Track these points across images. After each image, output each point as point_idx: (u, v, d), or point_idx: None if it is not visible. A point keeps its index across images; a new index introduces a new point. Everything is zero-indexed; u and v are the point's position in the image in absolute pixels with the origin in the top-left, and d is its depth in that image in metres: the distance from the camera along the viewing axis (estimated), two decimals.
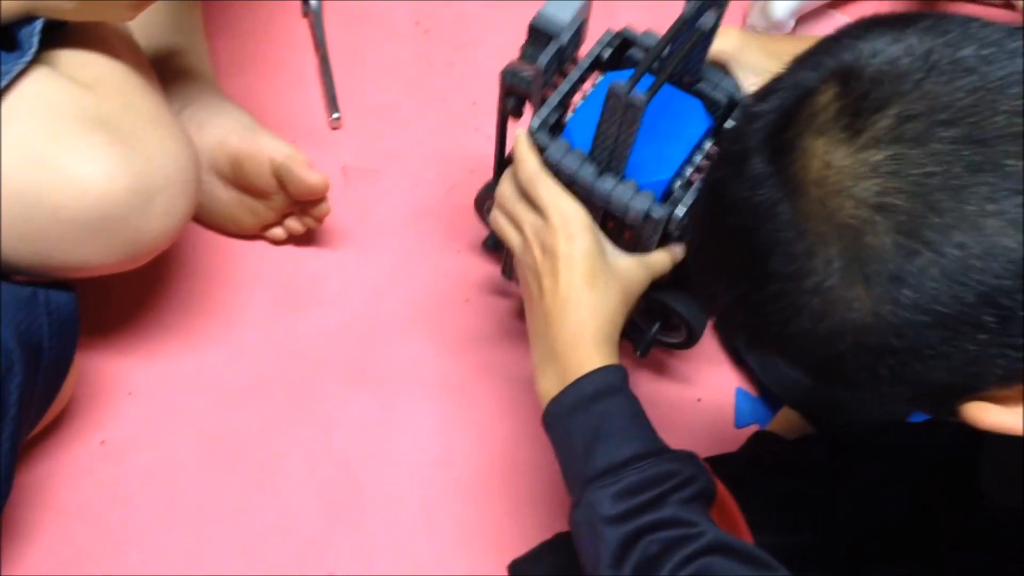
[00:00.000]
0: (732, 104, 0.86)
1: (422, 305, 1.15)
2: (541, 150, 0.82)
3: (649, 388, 1.13)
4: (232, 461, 1.06)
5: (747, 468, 1.04)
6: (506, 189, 0.84)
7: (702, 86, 0.86)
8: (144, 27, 1.01)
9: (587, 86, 0.88)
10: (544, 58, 0.84)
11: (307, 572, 1.02)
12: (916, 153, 0.49)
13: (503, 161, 0.99)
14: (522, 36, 0.87)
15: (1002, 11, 1.34)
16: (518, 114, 0.90)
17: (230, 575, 1.01)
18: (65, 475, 1.03)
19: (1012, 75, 0.50)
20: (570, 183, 0.81)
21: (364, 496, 1.06)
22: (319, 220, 1.12)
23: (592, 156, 0.80)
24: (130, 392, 1.08)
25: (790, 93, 0.55)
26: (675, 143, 0.83)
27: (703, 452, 1.07)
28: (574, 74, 0.86)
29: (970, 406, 0.54)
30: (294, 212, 1.12)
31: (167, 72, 1.07)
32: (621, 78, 0.85)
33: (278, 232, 1.14)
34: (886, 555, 0.94)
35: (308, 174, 1.04)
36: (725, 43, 0.90)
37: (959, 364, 0.51)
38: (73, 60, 0.88)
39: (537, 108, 0.87)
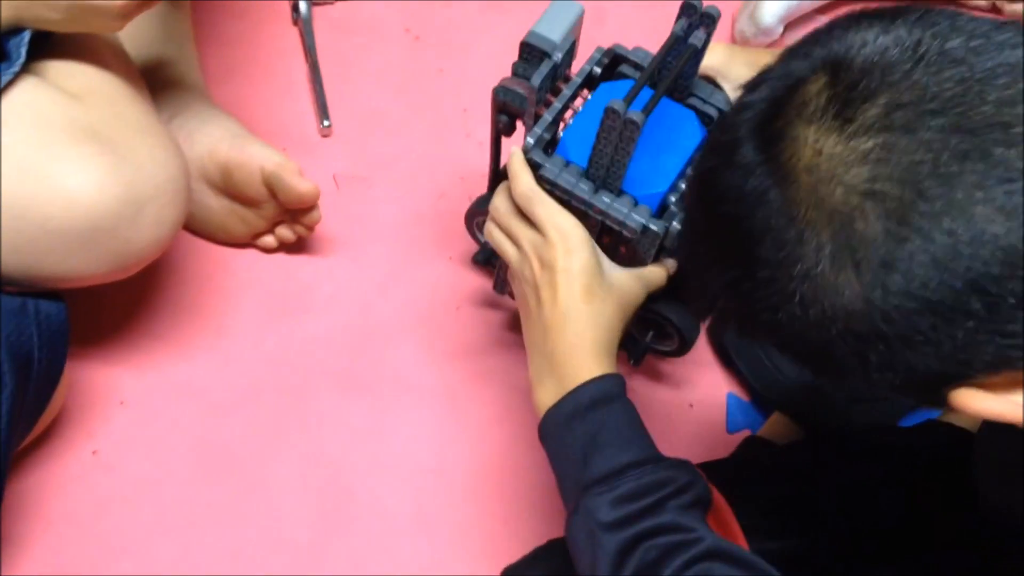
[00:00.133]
0: None
1: (413, 312, 1.15)
2: (537, 167, 0.82)
3: (642, 394, 1.13)
4: (224, 469, 1.06)
5: (739, 473, 1.04)
6: (501, 204, 0.85)
7: (693, 100, 0.87)
8: (133, 37, 1.01)
9: (578, 102, 0.88)
10: (538, 78, 0.84)
11: None
12: (905, 141, 0.50)
13: (498, 176, 0.99)
14: (512, 42, 0.87)
15: (989, 16, 1.34)
16: (510, 131, 0.91)
17: None
18: (57, 485, 1.03)
19: (1000, 66, 0.50)
20: (566, 199, 0.81)
21: (356, 503, 1.06)
22: (310, 228, 1.12)
23: (588, 172, 0.80)
24: (121, 401, 1.08)
25: (780, 83, 0.55)
26: (670, 155, 0.83)
27: (695, 457, 1.07)
28: (566, 92, 0.86)
29: (958, 393, 0.55)
30: (285, 220, 1.12)
31: (157, 81, 1.07)
32: (615, 88, 0.86)
33: (269, 240, 1.14)
34: (879, 557, 0.94)
35: (299, 182, 1.04)
36: (712, 58, 0.90)
37: (948, 351, 0.52)
38: (62, 70, 0.87)
39: (530, 126, 0.87)
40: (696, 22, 0.81)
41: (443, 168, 1.23)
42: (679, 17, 0.81)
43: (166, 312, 1.12)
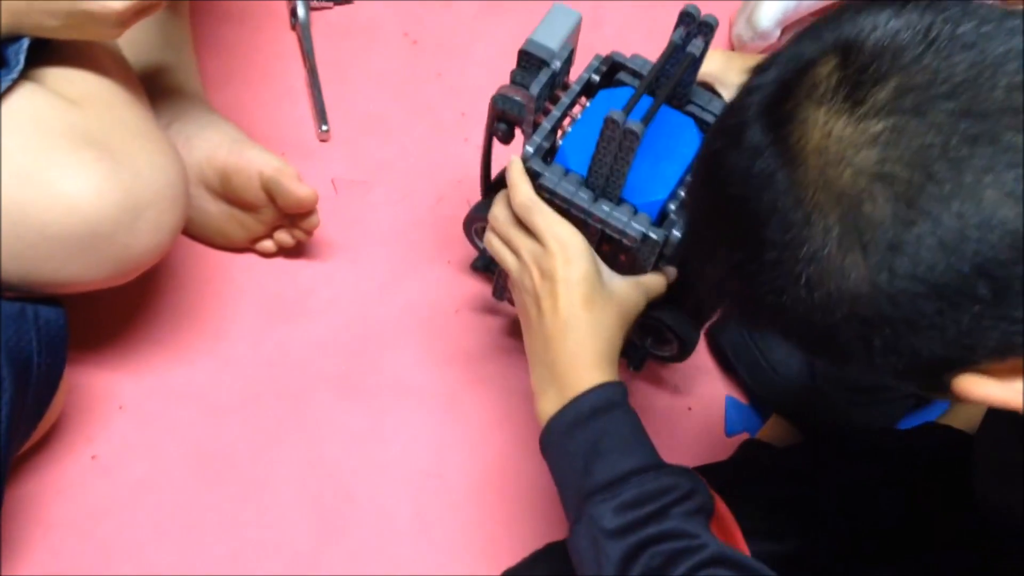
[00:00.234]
0: None
1: (412, 316, 1.15)
2: (536, 176, 0.82)
3: (640, 397, 1.13)
4: (223, 473, 1.06)
5: (737, 476, 1.04)
6: (500, 214, 0.85)
7: (691, 108, 0.87)
8: (132, 43, 1.01)
9: (576, 109, 0.88)
10: (536, 87, 0.84)
11: None
12: (916, 124, 0.50)
13: (489, 182, 0.99)
14: (510, 46, 0.87)
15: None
16: (509, 139, 0.91)
17: None
18: (56, 490, 1.03)
19: (1011, 51, 0.50)
20: (566, 208, 0.81)
21: (356, 507, 1.06)
22: (309, 232, 1.12)
23: (588, 181, 0.80)
24: (120, 406, 1.08)
25: (790, 65, 0.55)
26: (670, 163, 0.83)
27: (694, 460, 1.07)
28: (565, 100, 0.86)
29: (962, 379, 0.54)
30: (284, 225, 1.12)
31: (155, 87, 1.07)
32: (614, 95, 0.86)
33: (268, 245, 1.14)
34: (879, 558, 0.94)
35: (297, 187, 1.04)
36: (710, 64, 0.90)
37: (953, 335, 0.52)
38: (61, 76, 0.87)
39: (529, 134, 0.87)
40: (694, 30, 0.81)
41: (441, 172, 1.23)
42: (677, 25, 0.81)
43: (165, 317, 1.12)
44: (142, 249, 0.87)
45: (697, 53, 0.81)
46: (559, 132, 0.88)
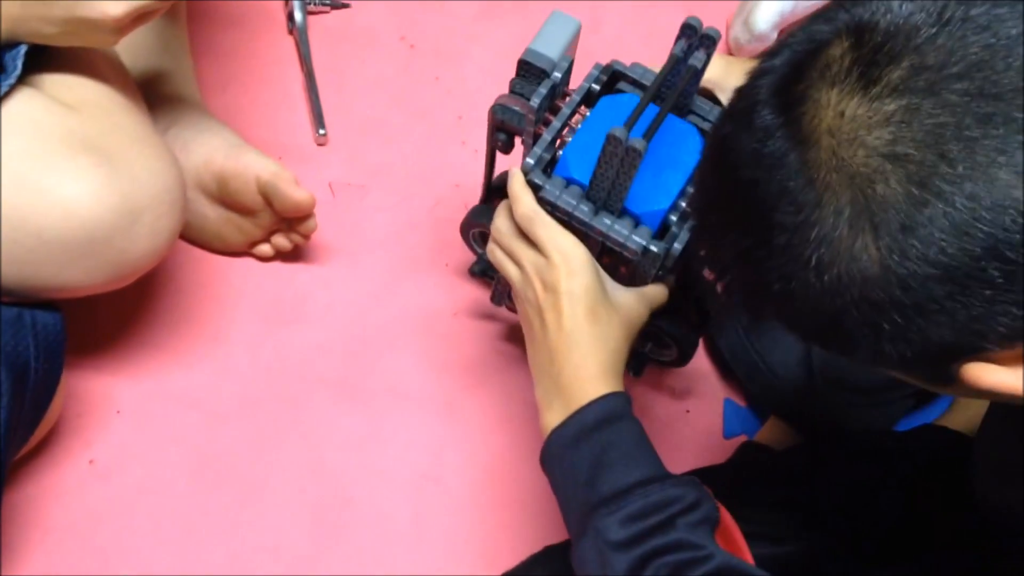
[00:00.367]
0: None
1: (410, 320, 1.15)
2: (537, 189, 0.81)
3: (638, 400, 1.13)
4: (221, 478, 1.06)
5: (736, 478, 1.04)
6: (502, 225, 0.84)
7: (692, 118, 0.86)
8: (129, 48, 1.01)
9: (576, 118, 0.87)
10: (536, 99, 0.84)
11: None
12: (929, 103, 0.50)
13: (491, 189, 0.99)
14: (507, 50, 0.87)
15: None
16: (508, 149, 0.90)
17: None
18: (54, 494, 1.03)
19: None
20: (567, 220, 0.81)
21: (354, 510, 1.06)
22: (306, 236, 1.12)
23: (589, 193, 0.80)
24: (118, 411, 1.08)
25: (802, 47, 0.55)
26: (672, 171, 0.82)
27: (692, 463, 1.08)
28: (565, 111, 0.85)
29: (970, 367, 0.54)
30: (281, 229, 1.12)
31: (153, 92, 1.07)
32: (616, 102, 0.85)
33: (265, 249, 1.14)
34: (879, 558, 0.94)
35: (294, 191, 1.04)
36: (710, 70, 0.90)
37: (963, 321, 0.51)
38: (58, 82, 0.88)
39: (529, 145, 0.86)
40: (696, 43, 0.80)
41: (439, 176, 1.23)
42: (679, 38, 0.80)
43: (163, 321, 1.12)
44: (139, 254, 0.87)
45: (699, 66, 0.80)
46: (560, 144, 0.88)
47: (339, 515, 1.06)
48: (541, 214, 0.81)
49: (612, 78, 0.88)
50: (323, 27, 1.31)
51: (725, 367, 1.16)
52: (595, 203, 0.80)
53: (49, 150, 0.83)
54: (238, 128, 1.13)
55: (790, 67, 0.55)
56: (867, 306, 0.53)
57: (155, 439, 1.07)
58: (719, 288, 0.64)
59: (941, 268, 0.50)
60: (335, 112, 1.25)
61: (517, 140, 0.90)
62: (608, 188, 0.78)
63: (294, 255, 1.16)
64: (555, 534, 1.03)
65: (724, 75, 0.89)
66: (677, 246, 0.81)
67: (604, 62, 0.88)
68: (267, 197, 1.05)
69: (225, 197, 1.07)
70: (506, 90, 0.87)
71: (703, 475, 0.78)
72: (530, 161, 0.83)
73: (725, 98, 0.89)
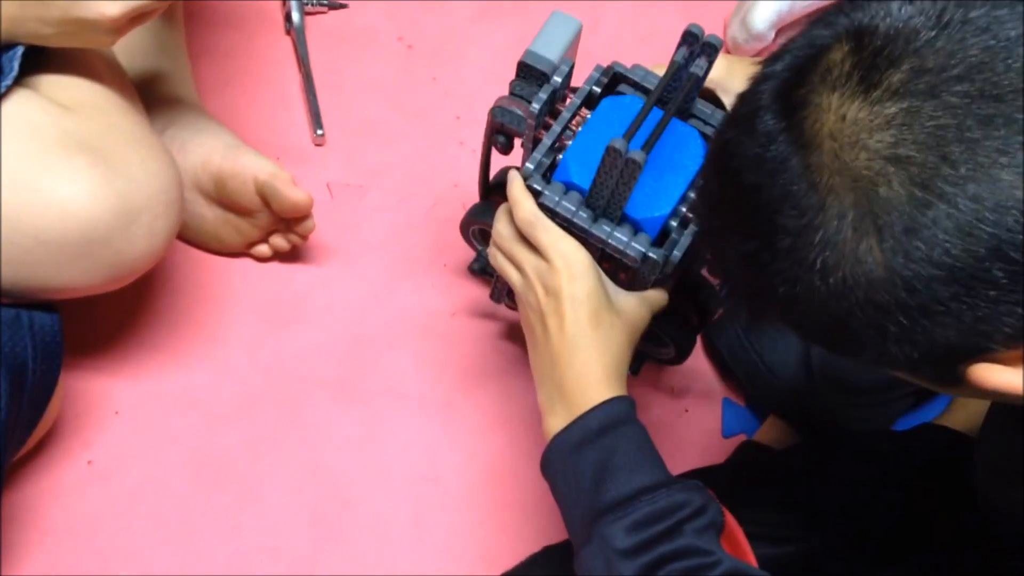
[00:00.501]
0: None
1: (408, 320, 1.15)
2: (536, 195, 0.81)
3: (637, 400, 1.12)
4: (220, 479, 1.06)
5: (735, 478, 1.04)
6: (503, 229, 0.84)
7: (694, 122, 0.86)
8: (127, 48, 1.01)
9: (576, 120, 0.87)
10: (537, 103, 0.83)
11: None
12: (930, 106, 0.50)
13: (489, 186, 0.99)
14: (506, 51, 0.87)
15: None
16: (508, 151, 0.90)
17: None
18: (53, 495, 1.03)
19: None
20: (566, 226, 0.80)
21: (352, 511, 1.06)
22: (304, 237, 1.12)
23: (588, 201, 0.79)
24: (116, 411, 1.08)
25: (803, 52, 0.55)
26: (673, 176, 0.82)
27: (691, 462, 1.08)
28: (565, 114, 0.85)
29: (976, 367, 0.54)
30: (279, 229, 1.12)
31: (150, 93, 1.07)
32: (617, 104, 0.85)
33: (263, 249, 1.14)
34: (880, 558, 0.94)
35: (292, 191, 1.04)
36: (712, 70, 0.89)
37: (968, 322, 0.51)
38: (55, 83, 0.88)
39: (529, 149, 0.86)
40: (697, 50, 0.80)
41: (437, 176, 1.23)
42: (680, 45, 0.80)
43: (161, 322, 1.12)
44: (137, 254, 0.87)
45: (700, 73, 0.80)
46: (559, 148, 0.87)
47: (338, 515, 1.06)
48: (542, 218, 0.80)
49: (613, 80, 0.87)
50: (321, 28, 1.31)
51: (724, 367, 1.16)
52: (594, 210, 0.80)
53: (46, 151, 0.83)
54: (236, 128, 1.13)
55: (791, 72, 0.55)
56: (872, 308, 0.53)
57: (154, 440, 1.07)
58: (722, 290, 0.64)
59: (945, 269, 0.50)
60: (333, 112, 1.25)
61: (516, 141, 0.90)
62: (607, 196, 0.78)
63: (292, 256, 1.16)
64: (554, 534, 1.03)
65: (726, 75, 0.89)
66: (677, 253, 0.81)
67: (603, 63, 0.88)
68: (265, 198, 1.05)
69: (223, 198, 1.07)
70: (505, 91, 0.87)
71: (702, 475, 0.78)
72: (530, 166, 0.82)
73: (727, 98, 0.88)
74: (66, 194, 0.82)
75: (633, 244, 0.79)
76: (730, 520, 0.75)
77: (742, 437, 1.15)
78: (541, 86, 0.85)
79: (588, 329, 0.78)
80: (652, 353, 1.02)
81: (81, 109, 0.87)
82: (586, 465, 0.75)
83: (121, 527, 1.03)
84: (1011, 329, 0.51)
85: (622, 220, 0.81)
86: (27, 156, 0.83)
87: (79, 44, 0.85)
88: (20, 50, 0.84)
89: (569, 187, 0.81)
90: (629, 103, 0.85)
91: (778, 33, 1.30)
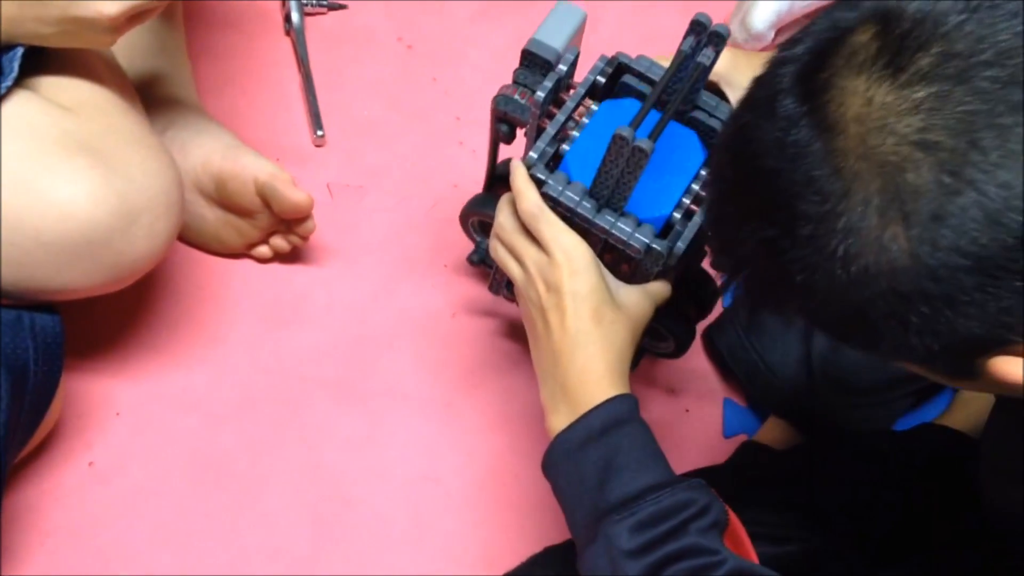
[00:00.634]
0: None
1: (409, 321, 1.15)
2: (540, 183, 0.80)
3: (638, 399, 1.13)
4: (220, 479, 1.06)
5: (736, 479, 1.04)
6: (505, 221, 0.83)
7: (697, 114, 0.85)
8: (126, 49, 1.01)
9: (580, 110, 0.87)
10: (542, 92, 0.82)
11: None
12: (960, 90, 0.49)
13: (494, 177, 0.99)
14: (505, 51, 0.87)
15: None
16: (510, 140, 0.90)
17: None
18: (54, 497, 1.03)
19: None
20: (569, 215, 0.80)
21: (353, 512, 1.06)
22: (304, 238, 1.12)
23: (592, 192, 0.79)
24: (117, 412, 1.08)
25: (825, 35, 0.54)
26: (673, 177, 0.82)
27: (692, 463, 1.08)
28: (569, 104, 0.84)
29: (996, 360, 0.53)
30: (279, 230, 1.12)
31: (150, 94, 1.07)
32: (618, 107, 0.85)
33: (263, 250, 1.14)
34: (881, 558, 0.94)
35: (292, 192, 1.04)
36: (716, 63, 0.89)
37: (992, 312, 0.51)
38: (55, 84, 0.88)
39: (532, 138, 0.86)
40: (704, 40, 0.79)
41: (437, 176, 1.23)
42: (687, 34, 0.79)
43: (161, 323, 1.12)
44: (137, 255, 0.87)
45: (707, 63, 0.79)
46: (563, 138, 0.87)
47: (338, 516, 1.06)
48: (546, 211, 0.79)
49: (617, 71, 0.87)
50: (320, 28, 1.31)
51: (725, 367, 1.16)
52: (598, 200, 0.79)
53: (46, 152, 0.83)
54: (236, 129, 1.13)
55: (813, 55, 0.54)
56: (895, 298, 0.52)
57: (155, 441, 1.07)
58: (728, 282, 0.63)
59: (972, 258, 0.49)
60: (333, 113, 1.25)
61: (519, 131, 0.89)
62: (612, 187, 0.77)
63: (292, 256, 1.16)
64: (556, 535, 1.03)
65: (731, 68, 0.88)
66: (680, 245, 0.81)
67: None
68: (265, 198, 1.05)
69: (223, 199, 1.07)
70: None
71: (703, 475, 0.78)
72: (533, 155, 0.82)
73: (731, 91, 0.88)
74: (66, 195, 0.82)
75: (637, 235, 0.79)
76: (733, 518, 0.75)
77: (743, 437, 1.15)
78: (545, 75, 0.84)
79: (590, 325, 0.77)
80: (651, 347, 1.01)
81: (81, 110, 0.87)
82: (589, 464, 0.75)
83: (122, 528, 1.03)
84: None
85: (624, 214, 0.80)
86: (27, 157, 0.83)
87: (78, 44, 0.85)
88: (20, 51, 0.84)
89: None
90: (629, 106, 0.84)
91: (777, 33, 1.30)
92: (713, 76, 0.88)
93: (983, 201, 0.48)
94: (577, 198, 0.79)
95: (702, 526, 0.71)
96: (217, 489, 1.06)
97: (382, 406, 1.11)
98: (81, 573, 1.01)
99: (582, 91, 0.85)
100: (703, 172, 0.84)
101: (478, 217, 1.01)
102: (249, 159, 1.04)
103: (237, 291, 1.15)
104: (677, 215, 0.82)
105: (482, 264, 1.07)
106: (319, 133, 1.22)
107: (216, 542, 1.03)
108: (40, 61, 0.87)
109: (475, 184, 1.02)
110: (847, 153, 0.51)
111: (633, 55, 0.87)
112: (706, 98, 0.86)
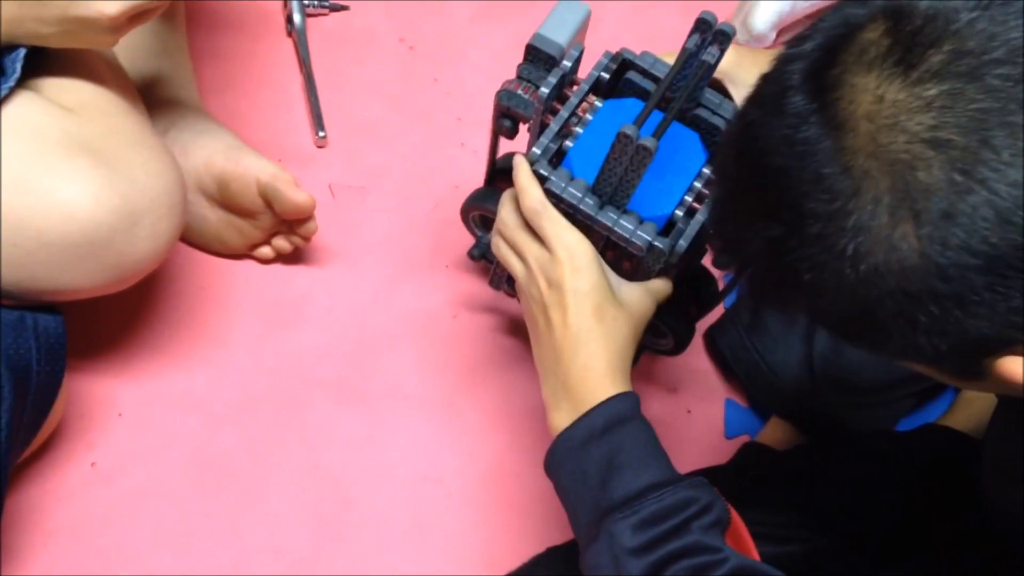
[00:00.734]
0: None
1: (410, 321, 1.15)
2: (542, 180, 0.80)
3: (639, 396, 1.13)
4: (222, 480, 1.06)
5: (738, 479, 1.04)
6: (508, 217, 0.83)
7: (700, 112, 0.85)
8: (128, 50, 1.02)
9: (584, 105, 0.87)
10: (546, 88, 0.82)
11: None
12: (972, 88, 0.49)
13: (495, 171, 0.99)
14: (507, 51, 0.87)
15: None
16: (513, 135, 0.89)
17: None
18: (56, 497, 1.03)
19: None
20: (571, 212, 0.80)
21: (354, 512, 1.06)
22: (306, 238, 1.12)
23: (595, 189, 0.79)
24: (120, 413, 1.08)
25: (834, 32, 0.54)
26: (675, 177, 0.82)
27: (694, 463, 1.08)
28: (573, 100, 0.84)
29: (1004, 361, 0.53)
30: (281, 231, 1.12)
31: (152, 95, 1.07)
32: (620, 107, 0.85)
33: (265, 251, 1.14)
34: (881, 559, 0.94)
35: (294, 193, 1.04)
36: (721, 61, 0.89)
37: (1002, 312, 0.50)
38: (57, 85, 0.88)
39: (536, 134, 0.86)
40: (709, 38, 0.79)
41: (438, 177, 1.23)
42: (692, 32, 0.79)
43: (163, 323, 1.12)
44: (140, 256, 0.87)
45: (712, 61, 0.79)
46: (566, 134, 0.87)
47: (340, 516, 1.06)
48: (549, 208, 0.79)
49: (621, 67, 0.86)
50: (322, 29, 1.31)
51: (726, 367, 1.16)
52: (600, 197, 0.79)
53: (48, 152, 0.83)
54: (238, 130, 1.13)
55: (823, 51, 0.54)
56: (904, 297, 0.52)
57: (157, 441, 1.07)
58: (732, 281, 0.63)
59: (982, 257, 0.49)
60: (334, 114, 1.25)
61: (521, 126, 0.89)
62: (615, 184, 0.77)
63: (294, 257, 1.16)
64: (558, 535, 1.03)
65: (735, 66, 0.87)
66: (683, 242, 0.81)
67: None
68: (267, 199, 1.05)
69: (225, 199, 1.07)
70: None
71: (705, 476, 0.78)
72: (536, 151, 0.81)
73: (735, 89, 0.87)
74: (69, 196, 0.82)
75: (639, 232, 0.79)
76: (735, 517, 0.75)
77: (745, 438, 1.15)
78: (549, 70, 0.84)
79: (592, 323, 0.77)
80: (651, 344, 1.01)
81: (83, 111, 0.87)
82: (592, 463, 0.75)
83: (124, 528, 1.03)
84: None
85: (627, 211, 0.80)
86: (30, 158, 0.83)
87: (79, 44, 0.85)
88: (22, 52, 0.84)
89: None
90: (631, 106, 0.84)
91: (779, 34, 1.30)
92: (717, 74, 0.87)
93: (994, 200, 0.48)
94: (580, 195, 0.79)
95: (704, 524, 0.71)
96: (219, 489, 1.06)
97: (383, 406, 1.11)
98: (83, 573, 1.01)
99: (586, 87, 0.85)
100: (706, 171, 0.84)
101: (479, 212, 1.01)
102: (251, 160, 1.04)
103: (239, 292, 1.15)
104: (679, 213, 0.82)
105: (483, 259, 1.07)
106: (321, 134, 1.23)
107: (218, 542, 1.03)
108: (42, 62, 0.87)
109: (476, 185, 1.02)
110: (857, 151, 0.51)
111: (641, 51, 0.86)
112: (710, 95, 0.86)
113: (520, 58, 0.87)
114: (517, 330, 1.16)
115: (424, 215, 1.21)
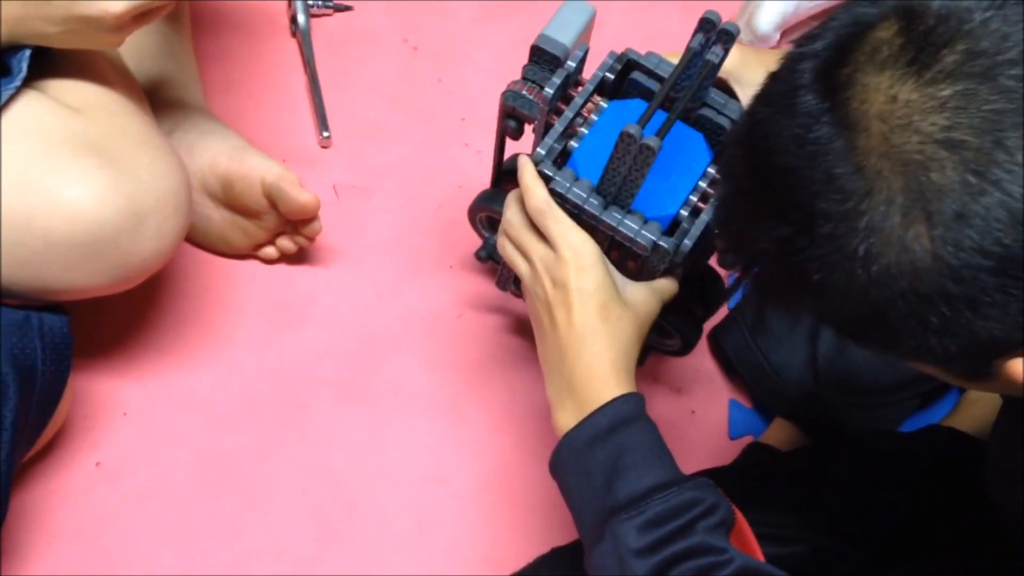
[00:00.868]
0: None
1: (414, 322, 1.16)
2: (547, 180, 0.80)
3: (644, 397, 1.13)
4: (226, 480, 1.06)
5: (742, 480, 1.04)
6: (513, 217, 0.83)
7: (705, 111, 0.85)
8: (134, 51, 1.02)
9: (589, 106, 0.87)
10: (551, 88, 0.82)
11: None
12: (985, 89, 0.49)
13: (501, 174, 0.99)
14: (511, 52, 0.87)
15: None
16: (518, 135, 0.90)
17: None
18: (61, 496, 1.03)
19: None
20: (576, 212, 0.80)
21: (358, 513, 1.06)
22: (311, 239, 1.12)
23: (599, 189, 0.79)
24: (124, 413, 1.08)
25: (845, 30, 0.54)
26: (679, 177, 0.82)
27: (698, 464, 1.08)
28: (578, 100, 0.84)
29: (1015, 362, 0.53)
30: (286, 231, 1.12)
31: (157, 95, 1.07)
32: (625, 108, 0.85)
33: (270, 251, 1.14)
34: (885, 560, 0.94)
35: (299, 193, 1.04)
36: (726, 61, 0.89)
37: (1013, 314, 0.50)
38: (62, 85, 0.88)
39: (541, 134, 0.86)
40: (713, 37, 0.79)
41: (442, 177, 1.23)
42: (696, 32, 0.79)
43: (168, 323, 1.12)
44: (145, 256, 0.88)
45: (716, 60, 0.79)
46: (571, 134, 0.87)
47: (344, 517, 1.06)
48: (554, 207, 0.79)
49: (626, 67, 0.86)
50: (326, 30, 1.31)
51: (730, 368, 1.16)
52: (605, 198, 0.79)
53: (54, 152, 0.83)
54: (242, 131, 1.13)
55: (833, 50, 0.54)
56: (915, 298, 0.52)
57: (161, 441, 1.07)
58: (738, 281, 0.63)
59: (995, 259, 0.49)
60: (338, 114, 1.25)
61: (527, 127, 0.89)
62: (619, 184, 0.77)
63: (298, 257, 1.16)
64: (562, 535, 1.03)
65: (740, 65, 0.87)
66: (687, 242, 0.81)
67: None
68: (272, 199, 1.05)
69: (230, 200, 1.07)
70: None
71: (709, 476, 0.78)
72: (541, 151, 0.82)
73: (740, 89, 0.87)
74: (74, 196, 0.82)
75: (644, 232, 0.79)
76: (740, 517, 0.75)
77: (749, 438, 1.15)
78: (553, 71, 0.84)
79: (597, 322, 0.77)
80: (657, 344, 1.01)
81: (89, 111, 0.87)
82: (597, 464, 0.75)
83: (128, 528, 1.03)
84: None
85: (631, 211, 0.80)
86: (35, 157, 0.83)
87: (84, 44, 0.85)
88: (28, 52, 0.84)
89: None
90: (636, 107, 0.84)
91: (783, 35, 1.30)
92: (722, 73, 0.87)
93: (1008, 201, 0.48)
94: (584, 195, 0.79)
95: (709, 525, 0.71)
96: (223, 489, 1.06)
97: (387, 406, 1.11)
98: (87, 572, 1.01)
99: (591, 87, 0.85)
100: (710, 170, 0.84)
101: (486, 213, 1.01)
102: (256, 160, 1.05)
103: (243, 292, 1.15)
104: (684, 213, 0.82)
105: (490, 260, 1.07)
106: (325, 134, 1.23)
107: (221, 542, 1.04)
108: (48, 62, 0.87)
109: (480, 185, 1.02)
110: (870, 151, 0.51)
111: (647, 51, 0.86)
112: (715, 95, 0.85)
113: (524, 59, 0.87)
114: (522, 330, 1.16)
115: (428, 215, 1.21)
